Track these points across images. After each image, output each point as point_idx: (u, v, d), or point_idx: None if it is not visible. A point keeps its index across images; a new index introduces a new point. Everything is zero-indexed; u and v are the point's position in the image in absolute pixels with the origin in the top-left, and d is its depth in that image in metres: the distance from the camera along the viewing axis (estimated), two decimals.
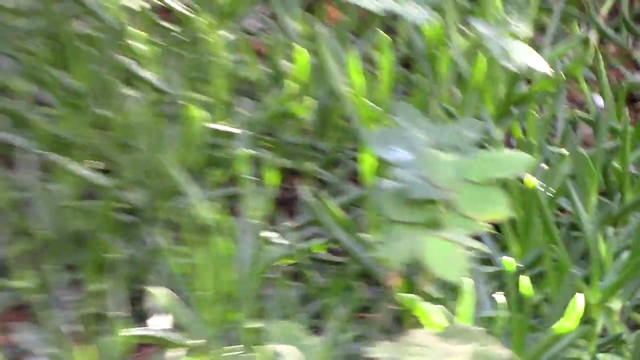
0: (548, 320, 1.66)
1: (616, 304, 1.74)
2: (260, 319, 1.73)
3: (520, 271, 1.71)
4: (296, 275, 1.88)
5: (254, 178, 1.90)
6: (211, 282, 1.74)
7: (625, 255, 1.75)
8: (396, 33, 2.28)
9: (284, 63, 2.15)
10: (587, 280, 1.74)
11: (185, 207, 1.94)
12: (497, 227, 1.79)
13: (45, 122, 2.04)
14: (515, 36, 1.33)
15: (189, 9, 2.22)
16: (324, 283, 1.87)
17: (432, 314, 1.52)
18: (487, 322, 1.65)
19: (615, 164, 1.98)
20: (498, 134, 1.43)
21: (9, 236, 1.95)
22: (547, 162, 1.94)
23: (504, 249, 1.84)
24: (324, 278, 1.89)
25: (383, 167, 1.88)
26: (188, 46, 2.18)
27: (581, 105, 2.28)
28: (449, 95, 2.00)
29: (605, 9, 2.41)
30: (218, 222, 1.81)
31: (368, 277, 1.87)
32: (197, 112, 1.97)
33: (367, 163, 1.89)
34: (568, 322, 1.57)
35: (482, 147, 1.66)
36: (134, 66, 2.10)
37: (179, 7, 2.23)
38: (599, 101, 2.22)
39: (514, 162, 1.31)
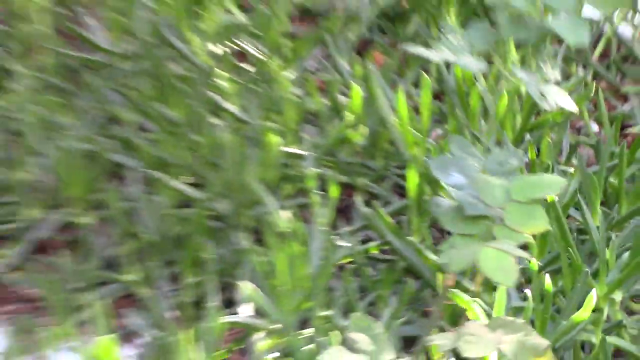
0: (564, 310, 1.63)
1: (618, 296, 1.71)
2: (328, 308, 1.70)
3: (540, 269, 1.68)
4: (354, 271, 1.84)
5: (319, 191, 1.87)
6: (287, 277, 1.71)
7: (625, 255, 1.72)
8: (428, 72, 2.25)
9: (340, 97, 2.12)
10: (594, 276, 1.70)
11: (264, 215, 1.92)
12: None
13: (149, 146, 2.01)
14: (547, 80, 1.29)
15: (262, 53, 2.20)
16: (377, 277, 1.84)
17: (474, 306, 1.49)
18: (515, 312, 1.62)
19: (612, 180, 1.95)
20: (521, 156, 1.40)
21: (120, 238, 1.93)
22: None
23: (524, 248, 1.81)
24: (377, 273, 1.86)
25: (424, 183, 1.87)
26: (262, 83, 2.16)
27: (578, 131, 2.25)
28: (478, 124, 1.97)
29: (597, 52, 2.39)
30: (291, 227, 1.77)
31: (413, 272, 1.84)
32: (272, 138, 1.94)
33: (411, 180, 1.86)
34: (584, 313, 1.54)
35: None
36: (220, 100, 2.08)
37: (254, 52, 2.21)
38: (595, 127, 2.20)
39: (552, 184, 1.27)
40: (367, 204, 2.01)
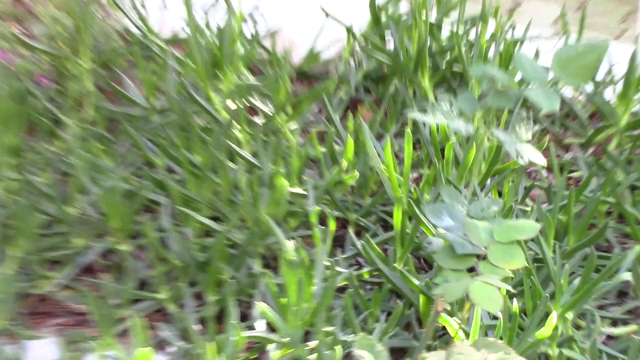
0: (527, 328, 1.58)
1: (570, 315, 1.65)
2: (330, 324, 1.65)
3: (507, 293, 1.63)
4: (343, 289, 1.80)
5: (318, 224, 1.82)
6: (295, 297, 1.65)
7: (576, 282, 1.67)
8: (405, 124, 2.22)
9: (336, 146, 2.08)
10: (550, 298, 1.65)
11: (274, 244, 1.87)
12: None
13: (177, 185, 1.95)
14: (520, 139, 1.24)
15: (269, 108, 2.16)
16: (368, 297, 1.78)
17: (453, 325, 1.43)
18: (487, 329, 1.57)
19: (561, 217, 1.90)
20: (500, 203, 1.34)
21: (152, 262, 1.87)
22: (517, 216, 1.86)
23: None
24: (366, 293, 1.81)
25: (406, 219, 1.82)
26: (270, 134, 2.11)
27: (529, 175, 2.21)
28: (451, 170, 1.92)
29: (544, 110, 2.35)
30: (298, 254, 1.72)
31: (398, 293, 1.79)
32: (280, 180, 1.88)
33: (396, 216, 1.81)
34: (547, 330, 1.49)
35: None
36: (235, 147, 2.02)
37: (263, 107, 2.16)
38: (545, 173, 2.15)
39: (527, 228, 1.22)
40: (358, 234, 1.97)
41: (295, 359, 1.60)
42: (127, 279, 1.86)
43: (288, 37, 2.44)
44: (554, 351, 1.60)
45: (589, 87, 2.34)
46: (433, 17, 2.40)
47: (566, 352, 1.62)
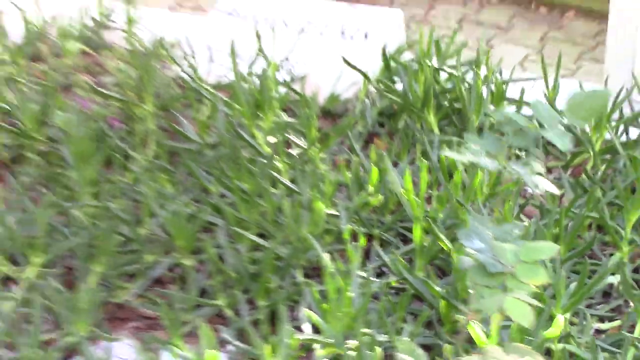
0: (535, 328, 1.51)
1: (567, 315, 1.58)
2: (367, 326, 1.58)
3: None
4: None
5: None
6: (335, 303, 1.58)
7: (572, 286, 1.60)
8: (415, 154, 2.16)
9: (361, 173, 2.01)
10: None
11: (314, 257, 1.80)
12: None
13: (230, 208, 1.88)
14: (534, 171, 1.17)
15: (303, 142, 2.10)
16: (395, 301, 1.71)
17: (479, 332, 1.36)
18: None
19: (554, 230, 1.83)
20: (521, 227, 1.27)
21: (211, 273, 1.80)
22: None
23: None
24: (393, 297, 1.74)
25: (424, 234, 1.75)
26: (305, 164, 2.04)
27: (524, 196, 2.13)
28: (459, 192, 1.86)
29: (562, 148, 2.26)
30: (335, 266, 1.65)
31: (420, 298, 1.72)
32: (318, 204, 1.81)
33: (416, 232, 1.75)
34: (555, 330, 1.42)
35: None
36: (277, 175, 1.96)
37: (298, 142, 2.10)
38: (537, 192, 2.08)
39: (548, 249, 1.15)
40: (381, 246, 1.90)
41: (337, 358, 1.53)
42: (191, 288, 1.79)
43: (314, 81, 2.38)
44: (556, 347, 1.53)
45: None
46: (434, 62, 2.35)
47: (567, 347, 1.55)
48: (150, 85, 2.16)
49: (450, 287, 1.61)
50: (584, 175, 2.09)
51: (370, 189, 1.92)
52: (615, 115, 2.20)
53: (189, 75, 2.29)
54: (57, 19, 2.59)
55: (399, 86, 2.36)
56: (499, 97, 2.25)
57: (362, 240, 1.76)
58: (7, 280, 1.79)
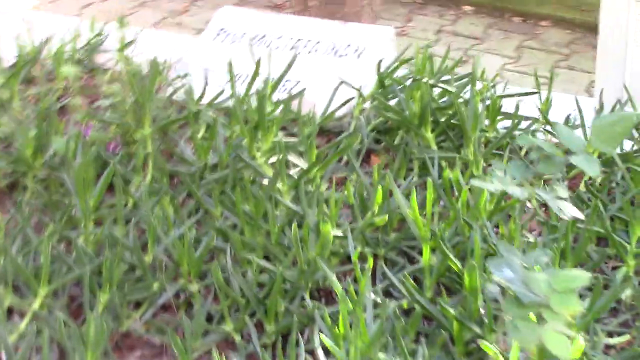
0: None
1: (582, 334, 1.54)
2: (382, 349, 1.52)
3: None
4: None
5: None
6: (348, 327, 1.53)
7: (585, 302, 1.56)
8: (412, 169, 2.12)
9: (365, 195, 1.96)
10: None
11: (322, 279, 1.74)
12: None
13: (233, 232, 1.82)
14: (558, 195, 1.13)
15: (302, 162, 2.04)
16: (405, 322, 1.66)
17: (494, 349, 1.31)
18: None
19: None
20: (550, 254, 1.23)
21: (218, 298, 1.74)
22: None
23: None
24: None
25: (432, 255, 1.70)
26: (306, 184, 1.98)
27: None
28: (465, 210, 1.81)
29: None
30: (347, 288, 1.60)
31: (429, 317, 1.67)
32: (326, 227, 1.76)
33: (425, 252, 1.70)
34: (576, 353, 1.37)
35: None
36: (279, 197, 1.90)
37: (297, 162, 2.05)
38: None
39: (580, 277, 1.11)
40: (386, 264, 1.85)
41: None
42: (198, 314, 1.73)
43: (309, 99, 2.32)
44: None
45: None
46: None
47: None
48: (147, 108, 2.09)
49: (462, 308, 1.56)
50: (581, 188, 2.05)
51: (375, 208, 1.87)
52: None
53: (185, 97, 2.23)
54: (50, 41, 2.52)
55: (392, 102, 2.31)
56: (494, 112, 2.21)
57: (370, 262, 1.70)
58: (12, 312, 1.72)
